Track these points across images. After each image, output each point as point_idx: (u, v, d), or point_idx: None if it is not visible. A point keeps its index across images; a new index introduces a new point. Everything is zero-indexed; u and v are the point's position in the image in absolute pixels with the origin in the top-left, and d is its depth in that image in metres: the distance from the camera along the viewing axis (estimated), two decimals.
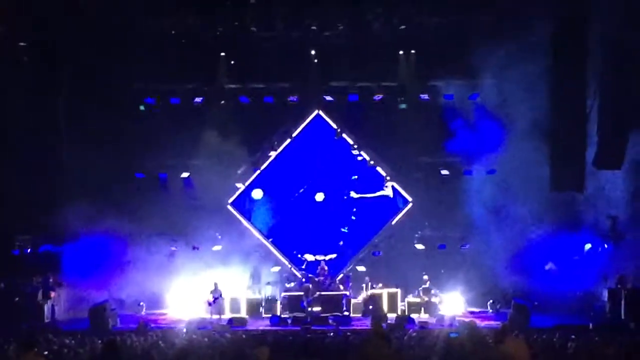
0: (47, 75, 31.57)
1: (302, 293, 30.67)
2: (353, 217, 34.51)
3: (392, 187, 34.72)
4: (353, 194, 34.68)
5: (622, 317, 28.33)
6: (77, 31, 31.34)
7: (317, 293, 30.57)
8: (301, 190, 34.66)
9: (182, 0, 31.75)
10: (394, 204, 34.85)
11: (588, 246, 31.46)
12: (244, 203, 35.21)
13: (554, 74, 31.01)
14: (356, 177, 34.62)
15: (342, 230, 34.45)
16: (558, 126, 31.19)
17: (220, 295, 30.68)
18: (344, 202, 34.74)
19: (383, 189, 34.68)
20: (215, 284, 30.86)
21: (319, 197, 34.56)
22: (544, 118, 31.04)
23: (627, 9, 29.15)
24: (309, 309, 30.09)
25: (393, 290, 31.89)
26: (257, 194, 35.02)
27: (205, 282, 31.55)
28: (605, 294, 29.70)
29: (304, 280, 31.97)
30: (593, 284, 30.62)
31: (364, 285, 32.21)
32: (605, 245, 31.18)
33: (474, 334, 15.61)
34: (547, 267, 31.71)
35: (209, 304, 30.35)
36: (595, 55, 30.55)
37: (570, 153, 31.13)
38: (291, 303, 30.73)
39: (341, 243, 34.35)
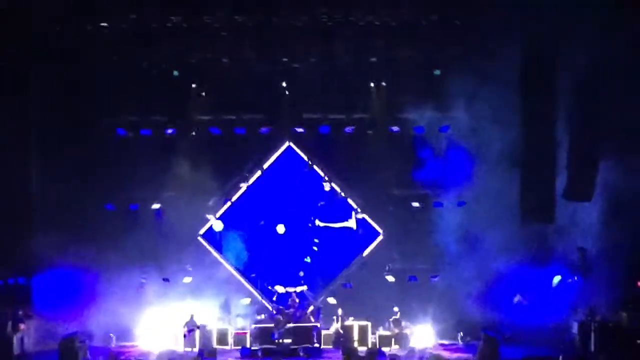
0: (17, 105, 31.45)
1: (272, 325, 30.67)
2: (315, 248, 34.43)
3: (358, 219, 34.71)
4: (318, 223, 34.63)
5: (592, 349, 28.43)
6: (49, 62, 31.45)
7: (288, 325, 30.60)
8: (262, 222, 34.51)
9: (153, 32, 31.80)
10: (361, 236, 34.79)
11: (557, 279, 31.55)
12: (214, 235, 35.05)
13: (524, 105, 31.23)
14: (322, 202, 34.54)
15: (305, 260, 34.30)
16: (528, 157, 31.40)
17: (196, 327, 30.72)
18: (311, 232, 34.69)
19: (347, 221, 34.67)
20: (192, 316, 30.96)
21: (282, 229, 34.41)
22: (514, 149, 31.25)
23: (595, 40, 29.36)
24: (280, 340, 30.09)
25: (363, 323, 31.89)
26: (217, 226, 34.84)
27: (176, 314, 31.57)
28: (575, 326, 29.81)
29: (274, 312, 31.94)
30: (563, 316, 30.73)
31: (335, 317, 32.15)
32: (575, 277, 31.27)
33: None
34: (515, 300, 31.77)
35: (184, 336, 30.40)
36: (564, 85, 30.81)
37: (540, 184, 31.31)
38: (262, 335, 30.70)
39: (301, 274, 34.14)
